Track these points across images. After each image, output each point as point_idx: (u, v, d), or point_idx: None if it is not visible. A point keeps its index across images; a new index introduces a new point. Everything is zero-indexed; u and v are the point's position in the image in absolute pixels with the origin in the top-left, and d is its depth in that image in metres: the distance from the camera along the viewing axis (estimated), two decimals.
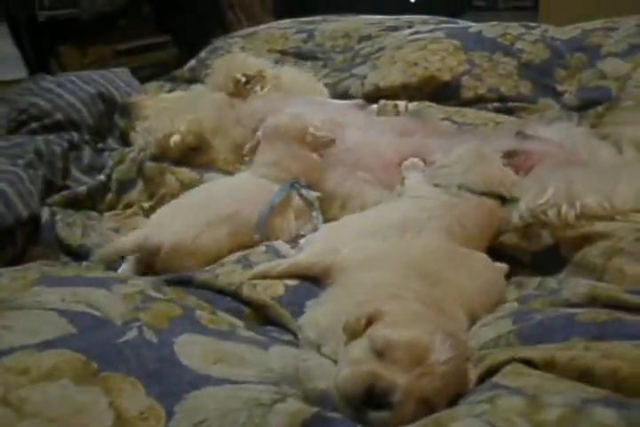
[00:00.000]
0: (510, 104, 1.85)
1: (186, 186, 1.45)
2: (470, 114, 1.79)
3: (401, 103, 1.94)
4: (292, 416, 0.70)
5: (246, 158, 1.44)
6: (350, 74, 2.08)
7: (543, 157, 1.39)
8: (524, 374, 0.77)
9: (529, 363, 0.79)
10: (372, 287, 0.96)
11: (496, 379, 0.77)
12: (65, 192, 1.50)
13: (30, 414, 0.66)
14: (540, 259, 1.22)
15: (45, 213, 1.38)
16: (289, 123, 1.41)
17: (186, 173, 1.48)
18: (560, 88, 1.88)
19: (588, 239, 1.15)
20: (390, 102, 1.94)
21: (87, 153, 1.66)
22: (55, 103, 1.78)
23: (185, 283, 1.13)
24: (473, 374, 0.82)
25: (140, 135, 1.64)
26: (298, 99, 1.61)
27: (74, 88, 1.84)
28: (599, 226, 1.16)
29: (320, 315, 0.96)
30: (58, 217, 1.39)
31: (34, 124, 1.75)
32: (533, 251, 1.22)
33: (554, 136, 1.52)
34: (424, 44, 2.02)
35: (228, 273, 1.14)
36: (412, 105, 1.93)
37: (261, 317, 1.08)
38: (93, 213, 1.51)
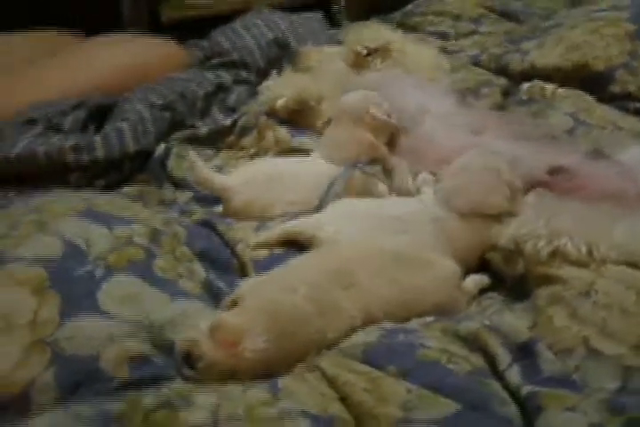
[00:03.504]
0: None
1: (278, 145, 1.69)
2: (598, 113, 1.70)
3: (549, 87, 1.89)
4: (124, 351, 0.98)
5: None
6: (517, 48, 2.04)
7: (590, 184, 1.34)
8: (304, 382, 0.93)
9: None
10: (295, 272, 1.15)
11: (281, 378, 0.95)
12: (187, 131, 1.79)
13: None
14: (514, 284, 1.25)
15: (160, 149, 1.70)
16: (353, 101, 1.52)
17: (282, 133, 1.70)
18: None
19: (548, 280, 1.16)
20: (539, 84, 1.90)
21: (235, 96, 1.95)
22: (234, 43, 2.08)
23: (211, 226, 1.37)
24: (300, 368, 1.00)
25: (263, 90, 1.88)
26: (406, 77, 1.69)
27: (255, 31, 2.11)
28: (564, 270, 1.16)
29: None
30: (173, 150, 1.70)
31: (214, 61, 2.08)
32: (510, 275, 1.26)
33: None
34: (598, 27, 1.89)
35: (240, 229, 1.37)
36: (561, 91, 1.87)
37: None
38: (209, 151, 1.77)
